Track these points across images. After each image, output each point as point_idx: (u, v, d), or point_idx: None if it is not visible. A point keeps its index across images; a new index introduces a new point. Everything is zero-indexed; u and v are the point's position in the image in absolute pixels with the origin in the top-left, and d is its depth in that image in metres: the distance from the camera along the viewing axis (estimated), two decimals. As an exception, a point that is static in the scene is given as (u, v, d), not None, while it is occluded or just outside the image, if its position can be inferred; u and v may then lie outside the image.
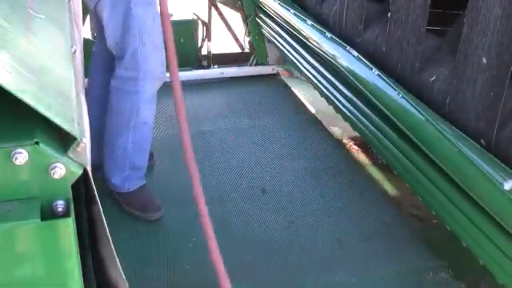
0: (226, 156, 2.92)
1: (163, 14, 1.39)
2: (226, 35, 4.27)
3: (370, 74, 2.31)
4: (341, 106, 2.71)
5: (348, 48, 2.50)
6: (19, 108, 0.87)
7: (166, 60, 2.39)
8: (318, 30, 2.81)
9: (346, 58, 2.51)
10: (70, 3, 1.54)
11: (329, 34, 2.71)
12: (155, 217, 2.39)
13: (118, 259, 1.09)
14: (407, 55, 2.10)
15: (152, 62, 2.25)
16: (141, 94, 2.27)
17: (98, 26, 2.38)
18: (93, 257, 1.14)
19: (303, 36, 2.95)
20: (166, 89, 3.09)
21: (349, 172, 2.83)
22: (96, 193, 1.06)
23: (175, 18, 3.82)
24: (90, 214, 1.21)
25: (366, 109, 2.44)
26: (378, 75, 2.24)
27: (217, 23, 4.11)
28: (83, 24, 2.86)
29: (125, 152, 2.35)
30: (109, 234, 1.06)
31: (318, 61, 2.93)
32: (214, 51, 4.12)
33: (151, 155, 2.60)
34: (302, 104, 3.54)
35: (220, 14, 4.09)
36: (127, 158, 2.36)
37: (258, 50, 4.02)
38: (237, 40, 4.24)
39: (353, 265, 2.22)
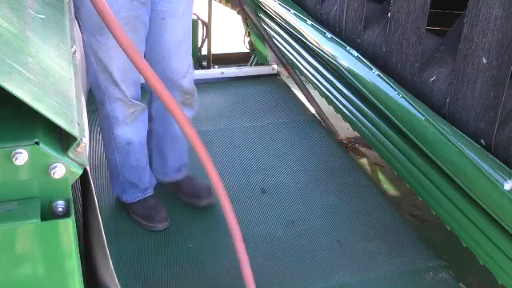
0: (226, 156, 2.92)
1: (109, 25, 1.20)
2: (226, 35, 4.28)
3: (369, 74, 2.31)
4: (341, 106, 2.71)
5: (348, 48, 2.51)
6: (19, 108, 0.87)
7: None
8: (317, 30, 2.81)
9: (346, 58, 2.51)
10: (69, 3, 1.54)
11: (329, 34, 2.71)
12: (160, 227, 2.33)
13: (110, 260, 1.09)
14: (407, 55, 2.10)
15: (114, 88, 2.08)
16: (111, 118, 2.15)
17: None
18: (84, 257, 1.14)
19: (303, 36, 2.95)
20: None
21: (349, 172, 2.83)
22: (94, 193, 1.06)
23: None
24: (85, 214, 1.22)
25: (366, 109, 2.44)
26: (378, 75, 2.24)
27: (217, 23, 4.11)
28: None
29: (116, 167, 2.31)
30: (103, 235, 1.06)
31: (318, 61, 2.93)
32: (214, 51, 4.12)
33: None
34: (302, 104, 3.54)
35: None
36: (120, 173, 2.32)
37: (257, 50, 4.02)
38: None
39: (353, 265, 2.22)
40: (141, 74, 1.25)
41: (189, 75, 2.19)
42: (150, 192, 2.40)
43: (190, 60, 2.19)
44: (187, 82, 2.19)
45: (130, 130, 2.21)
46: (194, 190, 2.48)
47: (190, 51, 2.19)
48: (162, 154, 2.41)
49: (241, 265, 1.43)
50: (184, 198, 2.49)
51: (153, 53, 2.09)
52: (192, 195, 2.48)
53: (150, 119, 2.35)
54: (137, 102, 2.17)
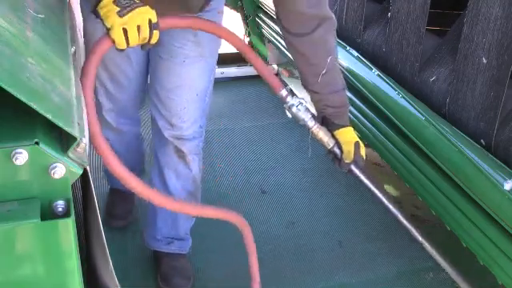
0: (226, 156, 2.92)
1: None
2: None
3: (369, 74, 2.30)
4: (341, 106, 2.70)
5: (348, 48, 2.50)
6: (19, 108, 0.87)
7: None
8: (318, 30, 2.80)
9: (345, 58, 2.51)
10: (69, 3, 1.54)
11: (329, 34, 2.71)
12: (112, 224, 2.27)
13: (110, 260, 1.09)
14: (407, 55, 2.10)
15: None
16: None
17: None
18: (84, 257, 1.14)
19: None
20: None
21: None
22: (94, 193, 1.06)
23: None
24: (85, 214, 1.22)
25: (366, 109, 2.44)
26: (378, 75, 2.24)
27: (217, 23, 4.10)
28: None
29: None
30: (103, 235, 1.06)
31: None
32: (214, 51, 4.11)
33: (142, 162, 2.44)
34: (302, 104, 3.54)
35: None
36: None
37: (257, 50, 4.01)
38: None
39: (353, 265, 2.22)
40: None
41: (182, 130, 1.90)
42: (121, 187, 2.26)
43: (188, 117, 1.90)
44: (176, 135, 1.91)
45: (111, 134, 2.11)
46: (171, 274, 2.09)
47: (193, 107, 1.91)
48: (154, 212, 2.10)
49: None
50: (158, 277, 2.12)
51: (151, 88, 1.93)
52: (164, 278, 2.09)
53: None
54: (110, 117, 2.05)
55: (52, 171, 0.92)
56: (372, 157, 2.90)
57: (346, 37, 2.59)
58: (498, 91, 1.65)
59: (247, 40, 4.10)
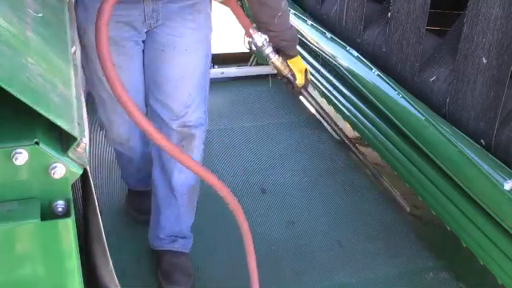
0: (226, 156, 2.92)
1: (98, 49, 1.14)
2: (226, 35, 4.26)
3: (369, 74, 2.31)
4: (341, 106, 2.71)
5: (348, 48, 2.51)
6: (19, 108, 0.87)
7: None
8: (318, 29, 2.81)
9: (346, 58, 2.51)
10: (70, 3, 1.54)
11: (329, 34, 2.71)
12: (141, 218, 2.30)
13: (110, 260, 1.08)
14: (407, 55, 2.11)
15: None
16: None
17: None
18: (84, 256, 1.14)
19: (303, 36, 2.95)
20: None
21: (349, 172, 2.82)
22: (94, 193, 1.06)
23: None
24: (85, 214, 1.22)
25: (366, 109, 2.44)
26: (378, 75, 2.25)
27: (217, 23, 4.10)
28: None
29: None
30: (103, 235, 1.06)
31: (317, 61, 2.93)
32: (214, 51, 4.10)
33: None
34: (302, 104, 3.54)
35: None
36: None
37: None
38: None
39: (353, 265, 2.22)
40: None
41: (187, 116, 1.92)
42: (141, 188, 2.37)
43: (192, 102, 1.91)
44: (183, 123, 1.92)
45: (110, 141, 2.15)
46: (172, 270, 2.09)
47: (196, 92, 1.92)
48: (157, 211, 2.12)
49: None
50: (158, 275, 2.12)
51: (151, 83, 1.92)
52: (165, 275, 2.09)
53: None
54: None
55: (52, 171, 0.91)
56: (372, 157, 2.90)
57: (346, 37, 2.59)
58: (498, 91, 1.66)
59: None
